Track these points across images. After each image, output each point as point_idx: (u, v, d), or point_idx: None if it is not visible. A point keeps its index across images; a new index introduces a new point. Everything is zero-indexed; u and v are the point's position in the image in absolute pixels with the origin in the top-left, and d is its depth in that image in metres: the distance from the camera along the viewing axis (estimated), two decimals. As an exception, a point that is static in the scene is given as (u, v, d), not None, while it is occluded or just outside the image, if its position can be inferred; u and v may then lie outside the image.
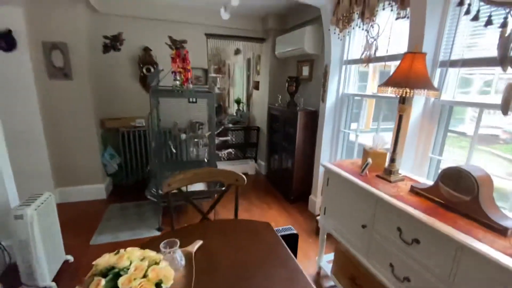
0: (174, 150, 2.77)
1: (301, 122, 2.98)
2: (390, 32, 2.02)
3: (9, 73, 2.48)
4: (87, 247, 2.29)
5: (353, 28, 2.31)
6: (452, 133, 1.76)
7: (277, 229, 1.89)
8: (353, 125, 2.78)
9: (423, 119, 1.82)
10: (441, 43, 1.67)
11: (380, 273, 1.42)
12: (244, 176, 1.53)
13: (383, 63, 2.15)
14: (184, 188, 2.74)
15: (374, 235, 1.45)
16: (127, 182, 3.51)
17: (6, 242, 1.93)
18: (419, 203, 1.28)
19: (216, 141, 3.39)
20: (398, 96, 1.43)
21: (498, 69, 1.39)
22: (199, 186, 2.90)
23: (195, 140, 2.81)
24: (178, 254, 0.95)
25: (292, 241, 1.90)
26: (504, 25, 1.25)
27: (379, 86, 1.46)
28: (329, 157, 2.92)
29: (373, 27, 2.07)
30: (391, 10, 1.85)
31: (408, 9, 1.72)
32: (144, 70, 3.40)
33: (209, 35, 3.68)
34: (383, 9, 1.90)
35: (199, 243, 1.13)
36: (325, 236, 2.03)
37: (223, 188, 1.68)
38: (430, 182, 1.39)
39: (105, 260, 0.72)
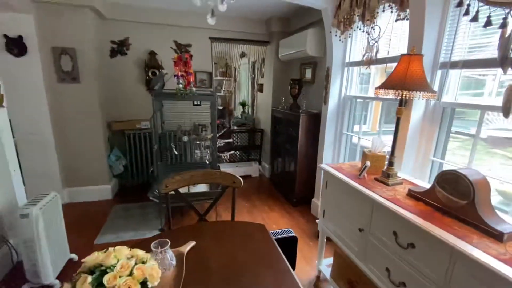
0: (176, 152, 2.80)
1: (303, 125, 2.97)
2: (391, 34, 2.01)
3: (20, 77, 2.59)
4: (91, 246, 2.34)
5: (354, 30, 2.30)
6: (457, 134, 1.72)
7: (275, 232, 1.89)
8: (356, 128, 2.75)
9: (424, 121, 1.79)
10: (442, 45, 1.65)
11: (377, 277, 1.40)
12: (241, 179, 1.55)
13: (385, 65, 2.13)
14: (186, 190, 2.79)
15: (370, 239, 1.43)
16: (132, 183, 3.58)
17: (14, 241, 2.00)
18: (416, 207, 1.25)
19: (219, 143, 3.42)
20: (398, 98, 1.41)
21: (500, 70, 1.36)
22: (202, 188, 2.93)
23: (198, 142, 2.85)
24: (169, 254, 0.97)
25: (290, 244, 1.89)
26: (503, 25, 1.23)
27: (376, 88, 1.45)
28: (332, 159, 2.90)
29: (374, 29, 2.06)
30: (391, 11, 1.84)
31: (408, 10, 1.71)
32: (150, 74, 3.47)
33: (213, 39, 3.72)
34: (383, 11, 1.89)
35: (191, 243, 1.15)
36: (325, 239, 2.01)
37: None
38: (428, 186, 1.36)
39: (93, 258, 0.74)
